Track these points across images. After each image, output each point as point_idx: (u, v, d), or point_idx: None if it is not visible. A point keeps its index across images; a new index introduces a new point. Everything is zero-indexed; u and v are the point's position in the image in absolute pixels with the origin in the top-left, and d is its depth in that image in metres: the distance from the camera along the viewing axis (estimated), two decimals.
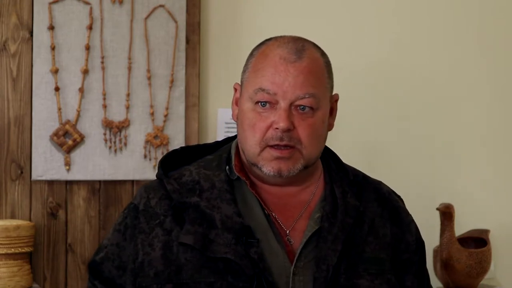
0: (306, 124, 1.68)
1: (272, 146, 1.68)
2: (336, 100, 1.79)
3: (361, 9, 3.11)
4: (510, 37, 3.23)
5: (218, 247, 1.64)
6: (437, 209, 2.96)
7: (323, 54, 1.75)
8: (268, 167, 1.69)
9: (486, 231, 3.05)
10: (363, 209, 1.75)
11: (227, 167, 1.76)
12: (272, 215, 1.72)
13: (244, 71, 1.76)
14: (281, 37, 1.75)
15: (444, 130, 3.17)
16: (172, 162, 1.80)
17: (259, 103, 1.69)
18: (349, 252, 1.69)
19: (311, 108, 1.69)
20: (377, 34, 3.12)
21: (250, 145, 1.70)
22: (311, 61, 1.70)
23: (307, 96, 1.68)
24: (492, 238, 3.09)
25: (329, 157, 1.84)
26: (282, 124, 1.66)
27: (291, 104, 1.67)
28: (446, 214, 2.94)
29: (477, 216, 3.16)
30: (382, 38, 3.12)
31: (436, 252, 2.99)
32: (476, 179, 3.20)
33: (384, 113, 3.12)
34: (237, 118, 1.76)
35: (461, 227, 3.06)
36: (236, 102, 1.78)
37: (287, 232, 1.72)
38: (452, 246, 2.93)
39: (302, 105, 1.68)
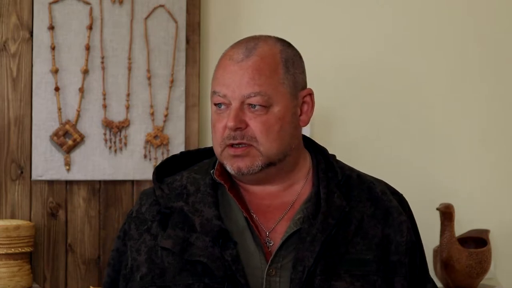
0: (258, 122, 1.70)
1: (229, 145, 1.71)
2: (310, 95, 1.78)
3: (359, 8, 3.11)
4: (510, 35, 3.22)
5: (196, 250, 1.67)
6: (437, 209, 2.96)
7: (283, 50, 1.75)
8: (229, 166, 1.72)
9: (486, 231, 3.05)
10: (349, 209, 1.73)
11: (212, 171, 1.78)
12: (253, 216, 1.74)
13: None
14: (243, 39, 1.77)
15: (444, 129, 3.17)
16: (172, 167, 1.83)
17: (217, 105, 1.73)
18: (329, 254, 1.68)
19: (262, 106, 1.70)
20: (378, 34, 3.12)
21: (214, 145, 1.75)
22: (260, 58, 1.71)
23: (252, 95, 1.69)
24: (492, 238, 3.09)
25: (320, 156, 1.83)
26: (229, 124, 1.69)
27: (242, 103, 1.70)
28: (446, 214, 2.94)
29: (477, 216, 3.15)
30: (383, 38, 3.12)
31: (436, 252, 2.99)
32: (476, 179, 3.19)
33: (382, 113, 3.12)
34: None
35: (461, 227, 3.06)
36: None
37: (267, 233, 1.73)
38: (452, 246, 2.93)
39: (251, 104, 1.70)
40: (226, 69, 1.72)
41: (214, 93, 1.73)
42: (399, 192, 1.86)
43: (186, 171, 1.81)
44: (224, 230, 1.68)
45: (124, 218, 1.86)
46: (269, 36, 1.77)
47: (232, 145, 1.71)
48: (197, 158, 1.86)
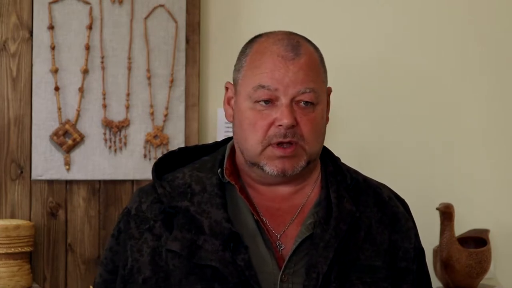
0: (307, 120, 1.65)
1: (274, 145, 1.65)
2: (330, 93, 1.76)
3: (359, 8, 3.11)
4: (510, 35, 3.22)
5: (205, 253, 1.61)
6: (437, 209, 2.96)
7: (316, 48, 1.72)
8: (271, 166, 1.66)
9: (486, 231, 3.05)
10: (359, 215, 1.70)
11: (219, 170, 1.72)
12: (263, 220, 1.69)
13: (238, 70, 1.72)
14: (272, 33, 1.72)
15: (444, 129, 3.17)
16: (169, 164, 1.77)
17: (260, 102, 1.65)
18: (342, 260, 1.65)
19: (312, 103, 1.66)
20: (378, 34, 3.12)
21: (251, 144, 1.66)
22: (308, 57, 1.67)
23: (308, 91, 1.65)
24: (492, 238, 3.09)
25: (328, 160, 1.79)
26: (286, 121, 1.63)
27: (292, 100, 1.65)
28: (446, 214, 2.94)
29: (477, 216, 3.15)
30: (383, 37, 3.12)
31: (436, 252, 2.99)
32: (476, 179, 3.19)
33: (383, 112, 3.12)
34: (233, 118, 1.72)
35: (461, 227, 3.06)
36: (229, 102, 1.75)
37: (278, 237, 1.68)
38: (452, 246, 2.93)
39: (303, 100, 1.65)
40: (277, 65, 1.65)
41: (261, 87, 1.65)
42: (401, 197, 1.84)
43: (187, 168, 1.74)
44: (234, 233, 1.63)
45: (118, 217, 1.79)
46: (297, 34, 1.74)
47: (279, 145, 1.64)
48: (195, 154, 1.79)
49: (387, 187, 1.83)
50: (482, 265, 2.95)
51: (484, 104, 3.20)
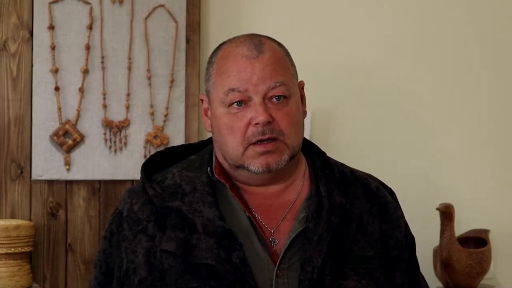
0: (283, 114, 1.68)
1: (255, 143, 1.67)
2: (303, 87, 1.78)
3: (359, 9, 3.11)
4: (510, 35, 3.22)
5: (200, 252, 1.63)
6: (437, 209, 2.96)
7: (280, 44, 1.75)
8: (255, 164, 1.68)
9: (486, 231, 3.05)
10: (350, 207, 1.72)
11: (209, 169, 1.74)
12: (256, 216, 1.71)
13: (207, 79, 1.75)
14: (234, 38, 1.75)
15: (443, 130, 3.17)
16: (157, 164, 1.79)
17: (233, 104, 1.68)
18: (335, 252, 1.67)
19: (284, 96, 1.68)
20: (378, 34, 3.12)
21: (232, 147, 1.69)
22: (272, 52, 1.70)
23: (278, 85, 1.67)
24: (492, 238, 3.09)
25: (314, 154, 1.82)
26: (261, 118, 1.65)
27: (264, 97, 1.67)
28: (446, 214, 2.94)
29: (477, 216, 3.16)
30: (383, 38, 3.12)
31: (436, 252, 2.99)
32: (476, 179, 3.20)
33: (383, 113, 3.12)
34: (212, 126, 1.75)
35: (461, 227, 3.06)
36: (206, 113, 1.78)
37: (272, 232, 1.70)
38: (452, 246, 2.93)
39: (275, 96, 1.68)
40: (242, 65, 1.67)
41: (231, 90, 1.67)
42: (388, 186, 1.86)
43: (175, 168, 1.76)
44: (228, 231, 1.65)
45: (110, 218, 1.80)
46: (260, 34, 1.76)
47: (258, 142, 1.66)
48: (182, 154, 1.81)
49: (373, 177, 1.86)
50: (482, 265, 2.95)
51: (484, 104, 3.21)
